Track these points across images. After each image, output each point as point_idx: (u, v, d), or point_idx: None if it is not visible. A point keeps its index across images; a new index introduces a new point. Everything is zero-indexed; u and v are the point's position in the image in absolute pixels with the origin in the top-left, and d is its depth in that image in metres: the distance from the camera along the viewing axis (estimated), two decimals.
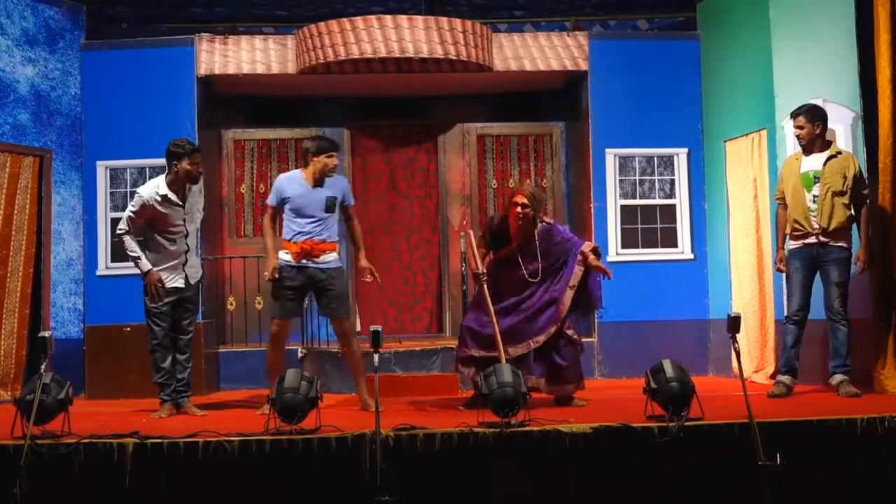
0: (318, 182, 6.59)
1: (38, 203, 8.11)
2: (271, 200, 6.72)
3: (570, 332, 6.51)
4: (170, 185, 6.45)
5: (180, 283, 6.52)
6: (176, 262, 6.50)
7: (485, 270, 6.39)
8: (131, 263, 6.55)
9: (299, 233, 6.57)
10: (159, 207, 6.40)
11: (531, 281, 6.47)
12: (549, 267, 6.50)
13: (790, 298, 6.79)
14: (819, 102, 7.01)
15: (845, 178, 6.60)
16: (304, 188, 6.60)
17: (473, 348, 6.44)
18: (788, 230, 6.80)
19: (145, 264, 6.42)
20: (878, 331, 6.78)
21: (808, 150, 6.76)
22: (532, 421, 5.36)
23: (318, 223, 6.59)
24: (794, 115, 6.81)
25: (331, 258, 6.64)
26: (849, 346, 6.60)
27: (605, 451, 5.22)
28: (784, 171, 6.93)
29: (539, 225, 6.51)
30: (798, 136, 6.79)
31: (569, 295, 6.44)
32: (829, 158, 6.66)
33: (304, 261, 6.55)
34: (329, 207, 6.61)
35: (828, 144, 6.75)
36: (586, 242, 6.65)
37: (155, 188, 6.44)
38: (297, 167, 9.56)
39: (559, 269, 6.52)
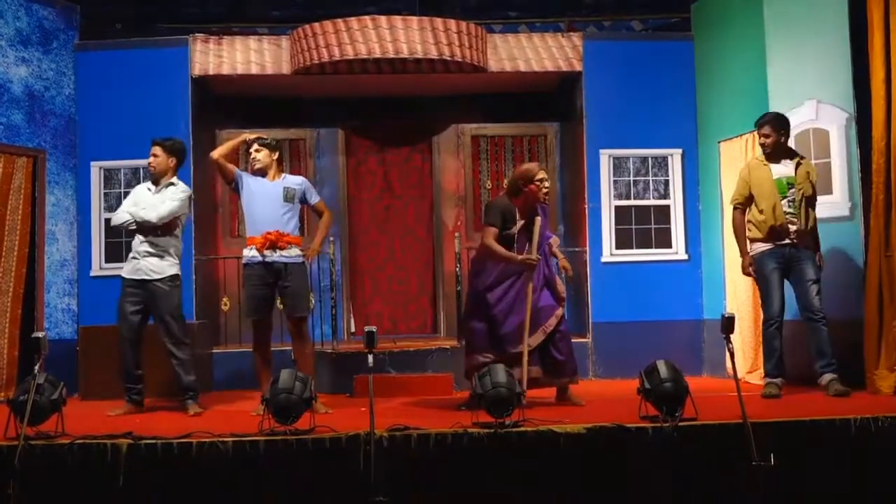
0: (273, 177, 6.70)
1: (31, 204, 8.09)
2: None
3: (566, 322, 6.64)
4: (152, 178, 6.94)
5: (138, 276, 6.68)
6: (136, 253, 6.72)
7: (538, 256, 6.38)
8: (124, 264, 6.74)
9: (262, 224, 6.61)
10: (138, 192, 6.86)
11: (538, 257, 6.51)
12: (541, 245, 6.56)
13: (769, 301, 6.78)
14: (813, 103, 7.04)
15: (811, 182, 6.75)
16: (262, 181, 6.70)
17: (492, 352, 6.39)
18: (762, 234, 6.80)
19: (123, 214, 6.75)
20: (871, 331, 6.79)
21: (771, 157, 6.83)
22: (526, 421, 5.37)
23: (279, 214, 6.62)
24: (760, 124, 6.88)
25: (294, 252, 6.65)
26: (831, 343, 6.63)
27: (599, 451, 5.22)
28: (751, 178, 6.89)
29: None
30: (763, 145, 6.88)
31: (557, 279, 6.58)
32: (797, 164, 6.77)
33: (268, 252, 6.56)
34: (287, 197, 6.65)
35: (792, 151, 6.91)
36: (553, 237, 6.81)
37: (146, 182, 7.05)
38: (291, 168, 9.64)
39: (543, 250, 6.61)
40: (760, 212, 6.82)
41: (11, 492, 4.72)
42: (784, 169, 6.81)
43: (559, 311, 6.50)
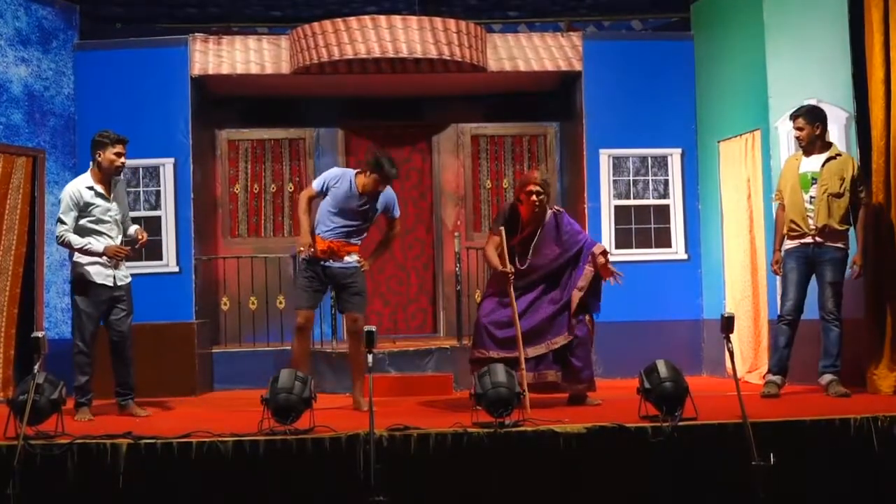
0: (365, 191, 6.69)
1: (30, 203, 8.08)
2: (317, 185, 6.79)
3: (587, 324, 6.60)
4: (93, 176, 6.48)
5: (109, 282, 6.48)
6: (104, 259, 6.44)
7: (512, 269, 6.38)
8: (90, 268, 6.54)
9: (332, 230, 6.66)
10: (85, 198, 6.38)
11: (534, 268, 6.50)
12: (560, 257, 6.54)
13: (784, 298, 6.78)
14: (813, 103, 7.02)
15: (843, 179, 6.62)
16: (353, 190, 6.69)
17: (493, 349, 6.42)
18: (786, 231, 6.81)
19: (97, 245, 6.36)
20: (871, 331, 6.79)
21: (807, 151, 6.77)
22: (526, 421, 5.37)
23: (353, 228, 6.71)
24: (794, 116, 6.80)
25: (352, 259, 6.74)
26: (840, 346, 6.61)
27: (598, 451, 5.22)
28: (784, 172, 6.94)
29: (548, 211, 6.60)
30: (798, 138, 6.80)
31: (576, 296, 6.50)
32: (827, 160, 6.68)
33: (327, 260, 6.64)
34: (368, 219, 6.76)
35: (828, 146, 6.77)
36: (597, 244, 6.66)
37: (80, 181, 6.49)
38: (290, 167, 9.65)
39: (573, 267, 6.55)
40: (784, 208, 6.82)
41: (11, 492, 4.72)
42: (814, 164, 6.72)
43: (567, 334, 6.48)
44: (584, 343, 6.57)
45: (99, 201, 6.44)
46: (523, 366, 6.21)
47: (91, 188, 6.43)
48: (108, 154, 6.42)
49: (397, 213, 6.96)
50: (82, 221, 6.42)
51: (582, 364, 6.53)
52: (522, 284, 6.51)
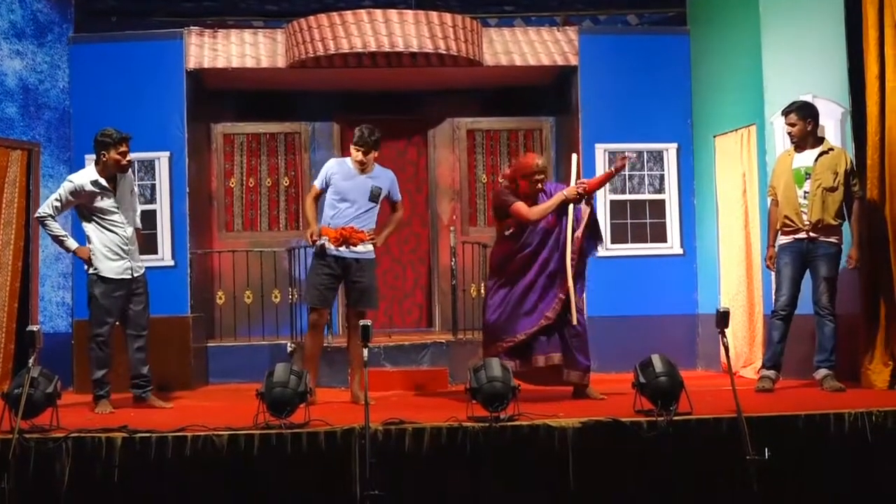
0: (364, 170, 6.62)
1: (26, 197, 8.07)
2: (318, 182, 6.74)
3: (580, 313, 6.59)
4: (98, 172, 6.46)
5: (127, 276, 6.49)
6: (120, 251, 6.46)
7: (575, 189, 6.39)
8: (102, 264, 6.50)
9: (339, 216, 6.59)
10: (91, 191, 6.39)
11: (540, 247, 6.50)
12: (548, 230, 6.52)
13: (778, 293, 6.80)
14: (808, 98, 7.02)
15: (836, 174, 6.62)
16: (352, 173, 6.64)
17: (507, 341, 6.47)
18: (780, 226, 6.81)
19: (72, 242, 6.47)
20: (866, 326, 6.80)
21: (799, 146, 6.77)
22: (521, 415, 5.37)
23: (360, 211, 6.62)
24: (786, 112, 6.80)
25: (366, 248, 6.67)
26: (835, 341, 6.61)
27: (593, 445, 5.23)
28: (776, 168, 6.94)
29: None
30: (790, 134, 6.80)
31: (576, 241, 6.53)
32: (820, 154, 6.68)
33: (341, 248, 6.56)
34: (373, 197, 6.65)
35: (820, 141, 6.77)
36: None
37: (87, 175, 6.48)
38: (286, 161, 9.65)
39: (557, 235, 6.54)
40: (778, 203, 6.82)
41: (6, 485, 4.72)
42: (807, 159, 6.71)
43: (558, 306, 6.48)
44: (580, 336, 6.56)
45: (104, 195, 6.43)
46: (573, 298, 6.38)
47: (95, 182, 6.42)
48: (113, 154, 6.40)
49: (398, 196, 6.88)
50: (93, 217, 6.44)
51: (579, 352, 6.54)
52: (520, 266, 6.50)
